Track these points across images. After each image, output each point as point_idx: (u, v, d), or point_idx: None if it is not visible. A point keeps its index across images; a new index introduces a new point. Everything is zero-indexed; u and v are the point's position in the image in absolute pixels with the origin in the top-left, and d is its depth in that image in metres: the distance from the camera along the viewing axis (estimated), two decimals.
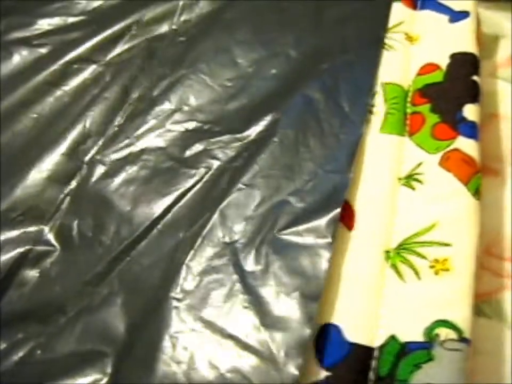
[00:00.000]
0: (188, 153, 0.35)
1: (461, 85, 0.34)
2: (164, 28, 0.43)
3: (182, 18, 0.44)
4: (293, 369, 0.25)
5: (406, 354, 0.26)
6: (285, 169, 0.32)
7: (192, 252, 0.30)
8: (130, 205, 0.34)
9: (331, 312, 0.28)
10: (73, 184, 0.36)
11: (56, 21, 0.45)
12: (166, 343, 0.27)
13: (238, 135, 0.35)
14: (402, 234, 0.30)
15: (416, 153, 0.32)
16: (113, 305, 0.30)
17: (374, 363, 0.26)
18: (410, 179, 0.31)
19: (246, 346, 0.26)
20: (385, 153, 0.33)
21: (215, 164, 0.34)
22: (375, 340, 0.27)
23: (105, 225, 0.33)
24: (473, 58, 0.35)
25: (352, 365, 0.26)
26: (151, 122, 0.38)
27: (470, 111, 0.33)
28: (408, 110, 0.35)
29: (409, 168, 0.32)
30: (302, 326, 0.26)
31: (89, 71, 0.42)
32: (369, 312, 0.28)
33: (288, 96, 0.36)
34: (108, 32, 0.44)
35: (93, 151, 0.37)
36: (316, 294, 0.27)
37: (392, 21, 0.39)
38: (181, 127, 0.37)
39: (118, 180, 0.35)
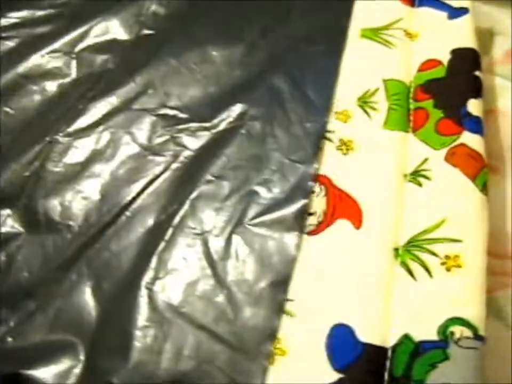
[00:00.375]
0: (155, 139, 0.35)
1: (464, 80, 0.34)
2: (132, 20, 0.43)
3: (151, 11, 0.43)
4: (264, 359, 0.26)
5: (421, 353, 0.25)
6: (253, 160, 0.33)
7: (163, 243, 0.30)
8: (98, 191, 0.33)
9: (342, 312, 0.27)
10: (36, 164, 0.35)
11: (24, 14, 0.44)
12: (138, 331, 0.27)
13: (206, 124, 0.35)
14: (411, 231, 0.29)
15: (421, 149, 0.32)
16: (83, 291, 0.29)
17: (388, 363, 0.26)
18: (416, 175, 0.31)
19: (217, 336, 0.27)
20: (389, 150, 0.32)
21: (183, 152, 0.34)
22: (388, 340, 0.26)
23: (72, 210, 0.33)
24: (474, 54, 0.35)
25: (365, 366, 0.25)
26: (116, 103, 0.38)
27: (474, 106, 0.33)
28: (411, 106, 0.34)
29: (415, 164, 0.31)
30: (272, 316, 0.27)
31: (59, 63, 0.41)
32: (381, 311, 0.27)
33: (255, 86, 0.37)
34: (77, 24, 0.43)
35: (57, 132, 0.36)
36: (284, 284, 0.28)
37: (390, 18, 0.39)
38: (146, 111, 0.37)
39: (83, 163, 0.35)
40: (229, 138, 0.34)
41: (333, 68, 0.36)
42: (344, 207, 0.30)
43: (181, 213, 0.31)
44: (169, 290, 0.29)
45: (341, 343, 0.26)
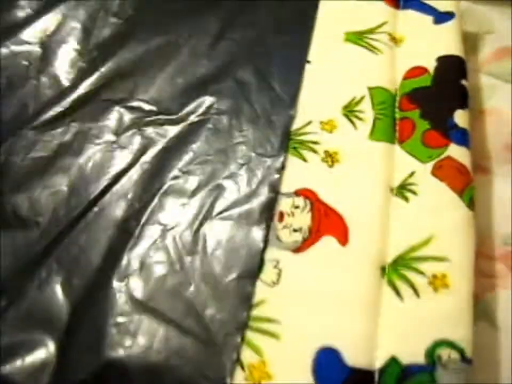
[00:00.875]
0: (122, 132, 0.35)
1: (450, 90, 0.33)
2: (100, 10, 0.42)
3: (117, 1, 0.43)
4: (231, 351, 0.26)
5: (408, 377, 0.25)
6: (220, 154, 0.33)
7: (132, 239, 0.30)
8: (66, 185, 0.33)
9: (327, 334, 0.26)
10: (2, 158, 0.34)
11: None
12: (110, 328, 0.27)
13: (173, 117, 0.35)
14: (398, 249, 0.28)
15: (408, 161, 0.31)
16: (53, 287, 0.29)
17: None
18: (403, 190, 0.30)
19: (186, 330, 0.27)
20: (376, 162, 0.31)
21: (151, 146, 0.34)
22: (374, 362, 0.26)
23: (40, 205, 0.32)
24: (460, 62, 0.35)
25: None
26: (81, 94, 0.37)
27: (460, 117, 0.32)
28: (397, 115, 0.33)
29: (401, 177, 0.31)
30: (239, 309, 0.27)
31: (25, 52, 0.40)
32: (368, 333, 0.26)
33: (221, 79, 0.37)
34: (41, 13, 0.42)
35: (23, 126, 0.36)
36: (252, 277, 0.28)
37: (375, 21, 0.38)
38: (113, 103, 0.36)
39: (50, 156, 0.34)
40: (196, 133, 0.34)
41: (299, 60, 0.36)
42: (329, 223, 0.30)
43: (149, 208, 0.31)
44: (138, 285, 0.29)
45: (327, 366, 0.26)
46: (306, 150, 0.32)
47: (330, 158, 0.32)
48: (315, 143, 0.32)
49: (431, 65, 0.35)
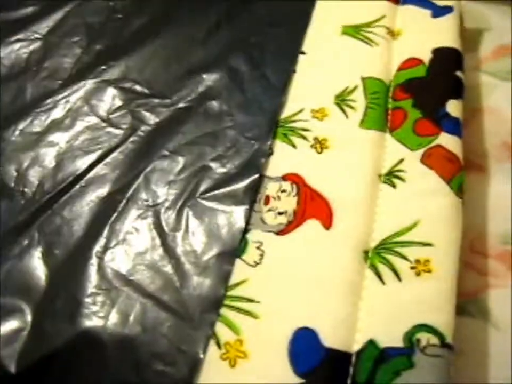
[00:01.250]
0: (114, 111, 0.36)
1: (444, 80, 0.33)
2: (101, 5, 0.43)
3: None
4: (207, 328, 0.26)
5: (385, 360, 0.24)
6: (209, 137, 0.33)
7: (116, 213, 0.31)
8: (54, 159, 0.34)
9: (306, 315, 0.26)
10: None
11: None
12: (86, 298, 0.28)
13: (166, 101, 0.36)
14: (382, 234, 0.28)
15: (398, 149, 0.31)
16: (33, 256, 0.30)
17: (351, 369, 0.25)
18: (391, 176, 0.30)
19: (163, 304, 0.27)
20: (365, 149, 0.31)
21: (141, 126, 0.35)
22: (352, 345, 0.25)
23: (28, 177, 0.33)
24: (456, 54, 0.34)
25: (328, 371, 0.25)
26: (75, 73, 0.38)
27: (453, 107, 0.32)
28: (390, 105, 0.33)
29: (390, 164, 0.30)
30: (217, 286, 0.27)
31: (27, 47, 0.41)
32: (347, 315, 0.26)
33: (215, 67, 0.37)
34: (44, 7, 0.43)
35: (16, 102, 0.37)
36: (231, 255, 0.28)
37: (373, 15, 0.38)
38: (107, 83, 0.37)
39: (41, 132, 0.35)
40: (186, 116, 0.35)
41: (293, 51, 0.37)
42: (315, 206, 0.29)
43: (135, 185, 0.32)
44: (119, 259, 0.29)
45: (304, 347, 0.25)
46: (295, 137, 0.32)
47: (320, 145, 0.32)
48: (305, 130, 0.32)
49: (426, 56, 0.34)
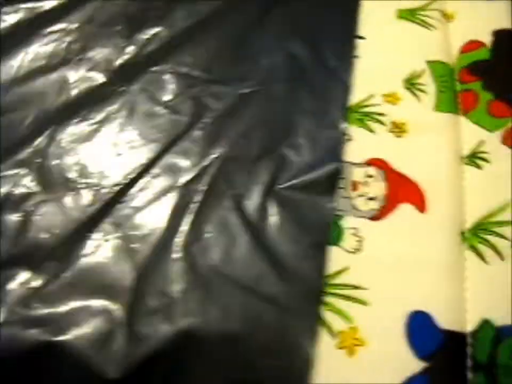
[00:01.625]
0: (176, 98, 0.35)
1: (509, 62, 0.34)
2: None
3: None
4: (312, 319, 0.26)
5: (503, 339, 0.25)
6: (279, 122, 0.33)
7: (195, 204, 0.30)
8: (116, 149, 0.33)
9: (416, 298, 0.26)
10: (52, 126, 0.34)
11: None
12: (179, 294, 0.27)
13: (228, 86, 0.35)
14: (476, 215, 0.28)
15: (475, 131, 0.31)
16: (109, 252, 0.28)
17: (469, 350, 0.25)
18: (474, 158, 0.30)
19: (264, 298, 0.26)
20: (443, 132, 0.31)
21: (206, 112, 0.34)
22: (466, 325, 0.26)
23: (89, 169, 0.32)
24: None
25: (448, 354, 0.25)
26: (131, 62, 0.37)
27: None
28: (458, 88, 0.34)
29: (470, 147, 0.31)
30: (315, 275, 0.27)
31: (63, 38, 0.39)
32: (455, 296, 0.26)
33: (273, 51, 0.36)
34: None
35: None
36: (323, 245, 0.28)
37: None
38: (166, 71, 0.36)
39: (99, 122, 0.34)
40: (252, 102, 0.34)
41: (350, 34, 0.36)
42: (405, 191, 0.29)
43: (210, 173, 0.31)
44: (208, 252, 0.28)
45: (421, 330, 0.25)
46: (372, 122, 0.32)
47: (398, 129, 0.32)
48: (381, 114, 0.32)
49: (487, 39, 0.35)
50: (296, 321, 0.26)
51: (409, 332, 0.25)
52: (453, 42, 0.36)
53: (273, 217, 0.29)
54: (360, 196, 0.30)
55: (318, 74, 0.35)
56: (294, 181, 0.30)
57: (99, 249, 0.28)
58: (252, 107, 0.34)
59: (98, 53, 0.38)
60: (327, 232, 0.28)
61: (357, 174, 0.30)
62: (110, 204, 0.30)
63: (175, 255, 0.28)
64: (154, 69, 0.36)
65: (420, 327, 0.25)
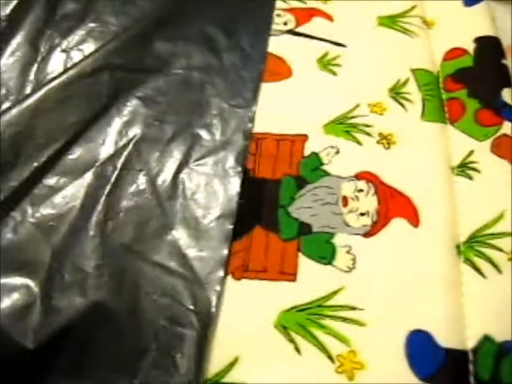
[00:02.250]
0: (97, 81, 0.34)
1: (494, 69, 0.33)
2: None
3: None
4: (216, 286, 0.27)
5: (505, 354, 0.24)
6: (193, 105, 0.34)
7: (110, 185, 0.30)
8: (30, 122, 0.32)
9: (414, 317, 0.25)
10: None
11: None
12: (93, 270, 0.27)
13: (147, 74, 0.36)
14: (470, 227, 0.28)
15: (464, 140, 0.31)
16: (29, 230, 0.29)
17: (471, 367, 0.24)
18: (465, 168, 0.30)
19: (172, 272, 0.27)
20: (432, 142, 0.31)
21: (122, 94, 0.34)
22: (466, 342, 0.25)
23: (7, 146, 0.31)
24: (497, 42, 0.35)
25: (450, 373, 0.24)
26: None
27: (508, 95, 0.32)
28: (443, 96, 0.33)
29: (460, 157, 0.30)
30: (221, 245, 0.28)
31: None
32: (454, 313, 0.26)
33: (190, 36, 0.37)
34: None
35: None
36: (231, 216, 0.29)
37: (404, 6, 0.37)
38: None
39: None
40: (168, 85, 0.35)
41: (266, 23, 0.38)
42: (397, 204, 0.29)
43: (125, 153, 0.32)
44: (121, 230, 0.29)
45: (421, 350, 0.25)
46: (359, 133, 0.31)
47: (386, 140, 0.31)
48: (367, 126, 0.32)
49: (469, 46, 0.35)
50: (202, 290, 0.27)
51: (409, 353, 0.25)
52: (435, 50, 0.35)
53: (184, 193, 0.30)
54: (351, 211, 0.29)
55: (233, 59, 0.36)
56: (206, 159, 0.31)
57: (18, 229, 0.29)
58: (168, 91, 0.35)
59: None
60: (233, 206, 0.29)
61: (347, 188, 0.29)
62: (27, 183, 0.30)
63: (91, 233, 0.29)
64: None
65: (420, 347, 0.25)
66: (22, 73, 0.35)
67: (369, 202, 0.29)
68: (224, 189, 0.30)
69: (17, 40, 0.37)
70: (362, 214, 0.29)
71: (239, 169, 0.30)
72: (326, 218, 0.28)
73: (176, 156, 0.31)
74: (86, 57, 0.35)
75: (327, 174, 0.30)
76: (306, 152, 0.31)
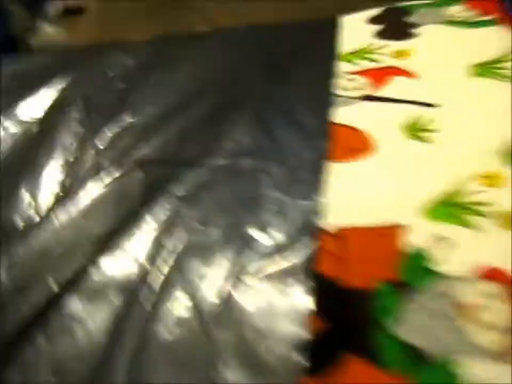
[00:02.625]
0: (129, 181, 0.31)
1: None
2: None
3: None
4: None
5: None
6: (245, 200, 0.28)
7: (144, 313, 0.24)
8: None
9: None
10: None
11: None
12: None
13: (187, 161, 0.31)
14: None
15: None
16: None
17: None
18: None
19: None
20: None
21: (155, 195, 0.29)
22: None
23: None
24: None
25: None
26: None
27: None
28: None
29: None
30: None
31: None
32: None
33: (241, 121, 0.33)
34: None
35: None
36: (303, 347, 0.22)
37: (498, 50, 0.31)
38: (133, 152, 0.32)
39: None
40: (215, 178, 0.30)
41: (323, 91, 0.32)
42: None
43: (163, 271, 0.26)
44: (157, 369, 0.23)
45: None
46: (474, 216, 0.24)
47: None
48: (483, 204, 0.24)
49: None
50: None
51: None
52: None
53: (239, 317, 0.23)
54: (476, 324, 0.21)
55: (289, 137, 0.31)
56: (264, 270, 0.25)
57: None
58: (214, 185, 0.29)
59: None
60: (306, 335, 0.22)
61: (469, 293, 0.22)
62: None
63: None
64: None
65: None
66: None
67: (500, 311, 0.21)
68: (291, 309, 0.23)
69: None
70: (491, 328, 0.21)
71: (311, 279, 0.24)
72: (444, 338, 0.21)
73: (225, 267, 0.25)
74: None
75: (439, 275, 0.23)
76: (407, 248, 0.24)
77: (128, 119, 0.35)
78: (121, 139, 0.34)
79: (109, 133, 0.34)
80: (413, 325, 0.22)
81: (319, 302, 0.23)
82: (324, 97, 0.32)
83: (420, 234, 0.24)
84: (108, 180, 0.31)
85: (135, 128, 0.34)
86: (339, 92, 0.32)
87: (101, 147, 0.33)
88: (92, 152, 0.33)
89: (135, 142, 0.33)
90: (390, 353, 0.21)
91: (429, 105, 0.30)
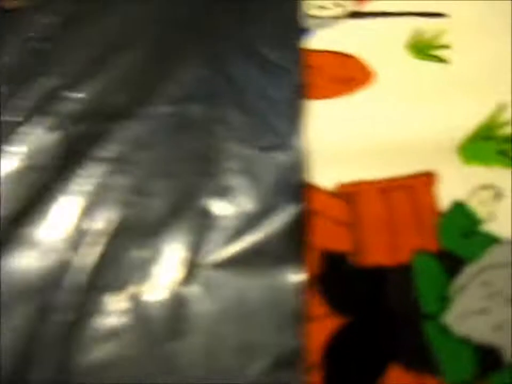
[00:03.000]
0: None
1: None
2: None
3: None
4: None
5: None
6: (196, 160, 0.22)
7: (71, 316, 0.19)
8: None
9: None
10: None
11: None
12: None
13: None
14: None
15: None
16: None
17: None
18: None
19: None
20: None
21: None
22: None
23: None
24: None
25: None
26: None
27: None
28: None
29: None
30: None
31: None
32: None
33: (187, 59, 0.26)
34: None
35: None
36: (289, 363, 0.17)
37: None
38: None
39: None
40: (152, 133, 0.24)
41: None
42: None
43: (89, 262, 0.19)
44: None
45: None
46: None
47: None
48: None
49: None
50: None
51: None
52: None
53: (193, 324, 0.18)
54: None
55: (251, 74, 0.25)
56: (227, 251, 0.19)
57: None
58: (155, 140, 0.23)
59: None
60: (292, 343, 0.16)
61: None
62: None
63: None
64: None
65: None
66: None
67: None
68: (274, 304, 0.18)
69: None
70: None
71: (295, 262, 0.18)
72: None
73: (174, 250, 0.20)
74: None
75: (494, 238, 0.16)
76: (443, 203, 0.17)
77: (46, 80, 0.27)
78: (39, 101, 0.26)
79: (25, 98, 0.26)
80: (472, 311, 0.15)
81: (325, 288, 0.16)
82: (292, 21, 0.25)
83: (457, 182, 0.18)
84: (16, 149, 0.23)
85: (56, 88, 0.27)
86: (313, 12, 0.25)
87: (15, 114, 0.26)
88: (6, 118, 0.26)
89: (56, 101, 0.26)
90: (450, 358, 0.15)
91: (436, 14, 0.24)
